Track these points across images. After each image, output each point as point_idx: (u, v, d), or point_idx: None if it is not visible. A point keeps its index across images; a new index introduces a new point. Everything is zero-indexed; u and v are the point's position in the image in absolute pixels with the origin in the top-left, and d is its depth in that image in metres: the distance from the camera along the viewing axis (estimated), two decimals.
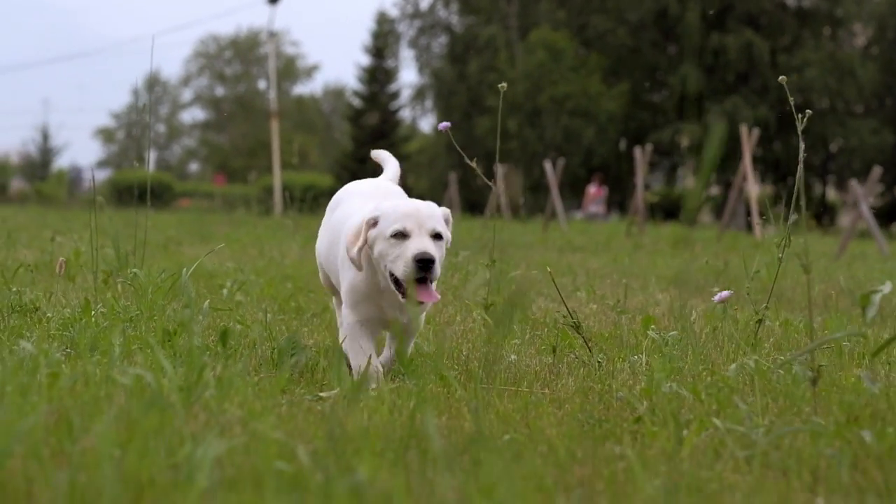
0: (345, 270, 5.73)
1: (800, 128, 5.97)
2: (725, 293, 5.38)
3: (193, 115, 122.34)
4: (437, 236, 5.44)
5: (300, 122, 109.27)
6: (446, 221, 5.61)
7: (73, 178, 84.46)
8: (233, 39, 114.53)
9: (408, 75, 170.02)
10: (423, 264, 5.27)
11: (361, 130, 77.46)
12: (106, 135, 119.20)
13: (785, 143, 67.37)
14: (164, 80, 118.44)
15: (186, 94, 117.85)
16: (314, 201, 54.65)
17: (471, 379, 5.21)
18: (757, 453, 3.73)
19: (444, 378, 4.90)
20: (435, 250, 5.34)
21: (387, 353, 6.05)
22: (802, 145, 6.20)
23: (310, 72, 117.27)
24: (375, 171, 6.80)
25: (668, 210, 62.59)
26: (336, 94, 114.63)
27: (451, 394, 4.77)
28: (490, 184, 7.78)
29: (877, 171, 21.70)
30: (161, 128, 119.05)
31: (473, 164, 7.37)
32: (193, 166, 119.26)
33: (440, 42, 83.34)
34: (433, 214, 5.51)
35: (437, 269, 5.33)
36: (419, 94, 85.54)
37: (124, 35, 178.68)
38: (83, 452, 2.91)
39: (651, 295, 10.02)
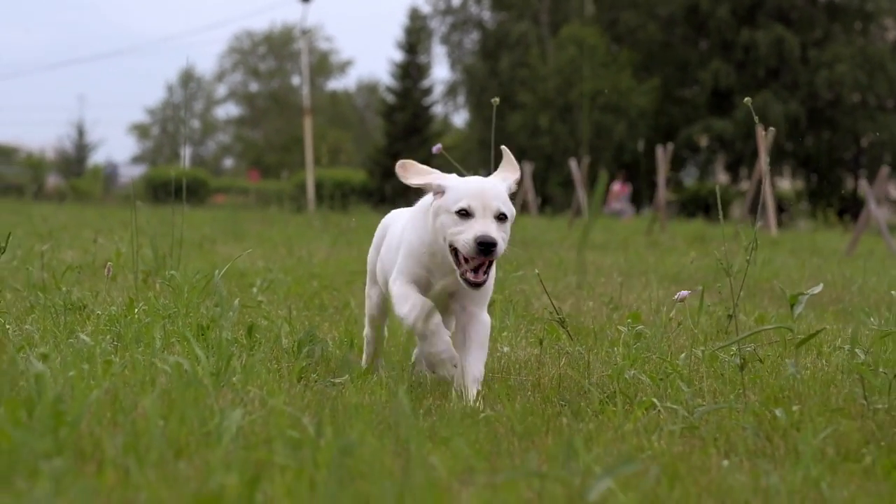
0: (401, 251, 5.81)
1: (762, 145, 6.61)
2: (685, 292, 6.08)
3: (228, 110, 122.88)
4: (501, 217, 5.46)
5: (334, 118, 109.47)
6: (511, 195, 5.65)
7: (108, 173, 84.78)
8: (267, 35, 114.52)
9: (440, 71, 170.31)
10: (485, 248, 5.31)
11: (394, 126, 77.57)
12: (141, 131, 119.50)
13: (816, 138, 67.47)
14: (198, 75, 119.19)
15: (221, 90, 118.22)
16: (344, 198, 55.05)
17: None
18: (687, 427, 4.52)
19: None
20: (498, 232, 5.38)
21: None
22: (766, 158, 6.89)
23: (343, 67, 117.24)
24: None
25: (702, 206, 62.69)
26: (370, 89, 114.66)
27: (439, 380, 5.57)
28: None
29: (884, 170, 22.26)
30: (196, 124, 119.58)
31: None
32: (228, 162, 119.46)
33: (472, 38, 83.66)
34: (499, 195, 5.51)
35: (499, 251, 5.37)
36: (451, 91, 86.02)
37: (159, 33, 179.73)
38: (134, 421, 3.72)
39: (653, 292, 10.71)
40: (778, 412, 4.51)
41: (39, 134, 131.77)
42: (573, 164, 37.72)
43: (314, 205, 48.84)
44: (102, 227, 19.98)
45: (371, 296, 6.49)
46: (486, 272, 5.43)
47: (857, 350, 5.59)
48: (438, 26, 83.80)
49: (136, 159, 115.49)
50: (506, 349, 6.76)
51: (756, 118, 5.49)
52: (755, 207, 30.39)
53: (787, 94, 65.79)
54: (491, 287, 5.82)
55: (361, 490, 2.89)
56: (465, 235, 5.37)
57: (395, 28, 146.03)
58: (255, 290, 9.55)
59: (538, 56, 72.69)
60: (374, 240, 6.46)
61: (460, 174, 5.99)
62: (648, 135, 68.76)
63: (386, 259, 6.07)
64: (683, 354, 5.74)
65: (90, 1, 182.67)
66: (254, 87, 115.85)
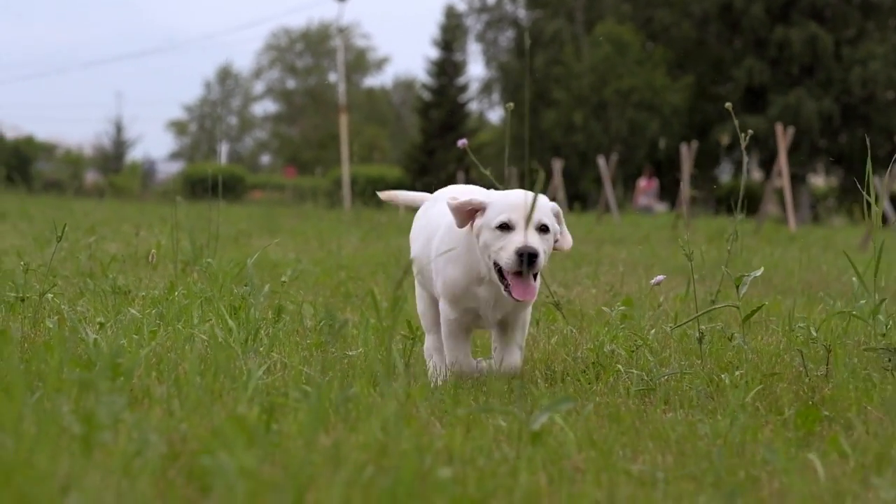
0: (442, 265, 5.73)
1: (743, 144, 7.33)
2: (660, 277, 6.82)
3: (265, 107, 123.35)
4: (543, 229, 5.42)
5: (371, 115, 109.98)
6: (556, 216, 5.58)
7: (146, 170, 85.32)
8: (304, 32, 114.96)
9: (475, 68, 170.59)
10: (527, 258, 5.27)
11: (430, 123, 78.12)
12: (178, 127, 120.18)
13: (850, 135, 67.69)
14: (235, 72, 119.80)
15: (258, 87, 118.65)
16: (370, 198, 55.47)
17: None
18: (646, 388, 5.32)
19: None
20: (539, 243, 5.34)
21: (483, 364, 5.87)
22: (746, 158, 7.62)
23: (380, 64, 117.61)
24: (444, 164, 7.52)
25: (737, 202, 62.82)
26: (406, 86, 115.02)
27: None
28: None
29: None
30: (233, 120, 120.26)
31: (487, 172, 7.35)
32: (265, 158, 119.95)
33: (507, 36, 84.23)
34: (540, 206, 5.43)
35: (541, 262, 5.34)
36: (486, 88, 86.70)
37: (198, 31, 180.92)
38: (176, 378, 4.53)
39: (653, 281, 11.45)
40: (724, 376, 5.30)
41: (78, 130, 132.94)
42: (601, 161, 38.36)
43: (350, 201, 49.47)
44: (142, 222, 20.83)
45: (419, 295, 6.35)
46: (532, 285, 5.38)
47: (810, 327, 6.38)
48: (474, 24, 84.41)
49: (174, 156, 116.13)
50: None
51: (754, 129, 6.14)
52: (766, 203, 30.93)
53: (820, 91, 66.00)
54: (528, 320, 5.92)
55: (357, 425, 3.67)
56: (507, 249, 5.32)
57: (431, 26, 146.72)
58: (284, 279, 10.35)
59: (573, 54, 73.15)
60: (412, 233, 6.38)
61: (490, 185, 6.31)
62: (682, 132, 69.07)
63: (426, 254, 5.97)
64: (654, 330, 6.54)
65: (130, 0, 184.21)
66: (291, 83, 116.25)
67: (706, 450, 4.03)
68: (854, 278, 6.58)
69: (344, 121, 53.68)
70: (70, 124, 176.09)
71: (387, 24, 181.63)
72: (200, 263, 9.25)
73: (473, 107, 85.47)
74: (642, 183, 45.20)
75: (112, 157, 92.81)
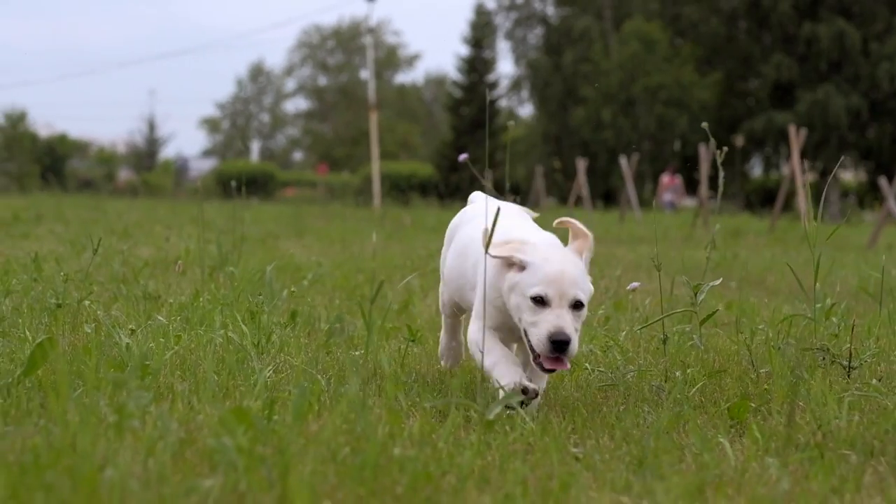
0: (479, 287, 5.55)
1: (719, 160, 8.00)
2: (635, 284, 7.50)
3: (297, 104, 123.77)
4: (577, 305, 5.23)
5: (402, 111, 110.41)
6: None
7: (179, 167, 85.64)
8: (335, 30, 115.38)
9: (505, 66, 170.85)
10: (558, 345, 5.09)
11: (460, 120, 78.52)
12: (211, 124, 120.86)
13: (879, 130, 67.91)
14: (267, 69, 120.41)
15: (290, 84, 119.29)
16: (404, 193, 55.94)
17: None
18: (609, 384, 6.05)
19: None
20: (572, 324, 5.16)
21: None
22: (722, 174, 8.29)
23: (411, 61, 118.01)
24: (474, 161, 7.82)
25: (769, 198, 63.13)
26: (437, 82, 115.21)
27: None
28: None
29: None
30: (265, 117, 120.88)
31: (481, 175, 8.15)
32: (297, 155, 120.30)
33: (536, 33, 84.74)
34: (576, 281, 5.22)
35: (574, 346, 5.14)
36: (515, 85, 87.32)
37: (230, 30, 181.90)
38: (196, 376, 5.31)
39: (652, 283, 12.11)
40: (678, 373, 6.04)
41: (110, 128, 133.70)
42: (623, 160, 38.95)
43: (379, 199, 50.08)
44: (174, 224, 21.66)
45: (442, 293, 6.38)
46: (564, 360, 5.16)
47: (768, 328, 7.13)
48: (503, 22, 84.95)
49: (207, 153, 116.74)
50: None
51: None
52: (781, 202, 31.46)
53: (848, 87, 66.22)
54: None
55: (345, 414, 4.42)
56: (539, 330, 5.13)
57: (462, 23, 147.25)
58: (305, 282, 11.07)
59: (601, 51, 73.63)
60: (446, 239, 6.33)
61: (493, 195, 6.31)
62: (711, 128, 69.23)
63: (459, 273, 5.95)
64: (624, 332, 7.28)
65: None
66: (322, 81, 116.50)
67: (641, 436, 4.77)
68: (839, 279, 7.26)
69: (374, 119, 54.29)
70: (103, 122, 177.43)
71: (418, 20, 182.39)
72: (225, 270, 10.04)
73: (504, 104, 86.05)
74: (665, 179, 45.56)
75: (145, 155, 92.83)
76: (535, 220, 6.04)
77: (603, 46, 74.62)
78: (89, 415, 3.86)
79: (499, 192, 7.16)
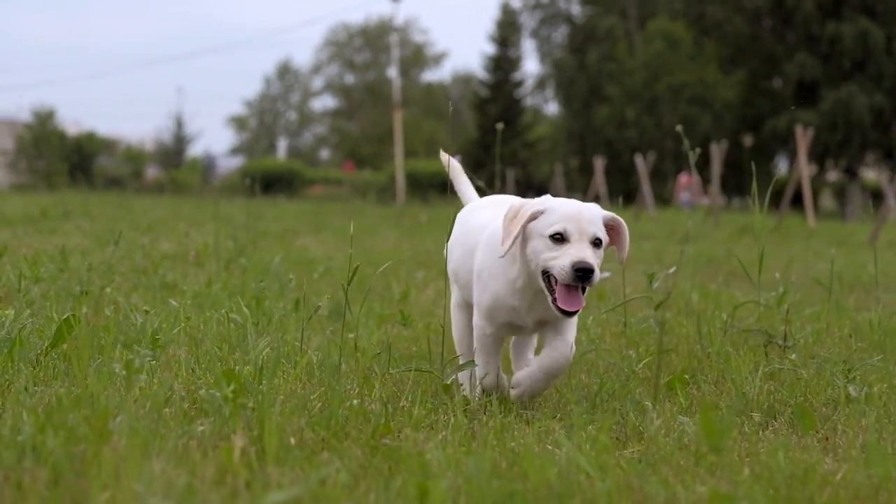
0: (483, 279, 5.62)
1: (692, 160, 8.71)
2: (606, 273, 8.22)
3: (324, 102, 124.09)
4: (596, 242, 5.31)
5: (429, 109, 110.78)
6: (617, 228, 5.53)
7: (206, 165, 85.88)
8: (362, 28, 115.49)
9: (531, 64, 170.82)
10: (583, 274, 5.17)
11: (486, 118, 79.06)
12: (238, 122, 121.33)
13: None
14: (294, 68, 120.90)
15: (317, 82, 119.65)
16: (422, 194, 56.41)
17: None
18: (588, 367, 6.81)
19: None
20: (594, 258, 5.23)
21: (523, 371, 5.66)
22: (696, 175, 9.02)
23: (438, 59, 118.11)
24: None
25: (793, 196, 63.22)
26: (465, 81, 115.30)
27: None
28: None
29: None
30: (292, 115, 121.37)
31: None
32: (324, 153, 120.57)
33: (561, 32, 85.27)
34: (595, 219, 5.34)
35: (596, 277, 5.23)
36: (540, 84, 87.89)
37: (257, 28, 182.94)
38: (205, 349, 6.10)
39: (637, 277, 12.79)
40: (631, 351, 6.80)
41: (138, 126, 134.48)
42: (638, 159, 39.52)
43: (403, 197, 50.67)
44: (196, 220, 22.40)
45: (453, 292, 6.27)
46: (579, 297, 5.29)
47: (724, 314, 7.88)
48: (528, 20, 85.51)
49: (234, 151, 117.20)
50: None
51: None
52: (787, 201, 31.98)
53: (871, 85, 66.52)
54: (576, 321, 5.75)
55: (320, 377, 5.19)
56: (562, 261, 5.20)
57: (488, 21, 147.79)
58: (315, 275, 11.80)
59: (626, 50, 74.11)
60: (450, 242, 6.21)
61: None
62: (734, 126, 69.72)
63: (464, 265, 5.92)
64: (592, 317, 8.03)
65: None
66: (349, 79, 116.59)
67: (588, 403, 5.52)
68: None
69: (398, 118, 54.86)
70: (131, 120, 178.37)
71: (445, 19, 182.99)
72: (238, 262, 10.84)
73: (528, 102, 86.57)
74: (683, 178, 45.96)
75: (173, 153, 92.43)
76: None
77: (627, 45, 75.20)
78: (104, 374, 4.65)
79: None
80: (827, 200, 75.29)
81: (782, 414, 5.28)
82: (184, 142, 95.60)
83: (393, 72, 65.26)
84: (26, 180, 68.68)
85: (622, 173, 67.10)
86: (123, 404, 4.24)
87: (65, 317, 5.73)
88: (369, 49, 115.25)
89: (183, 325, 6.61)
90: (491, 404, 5.09)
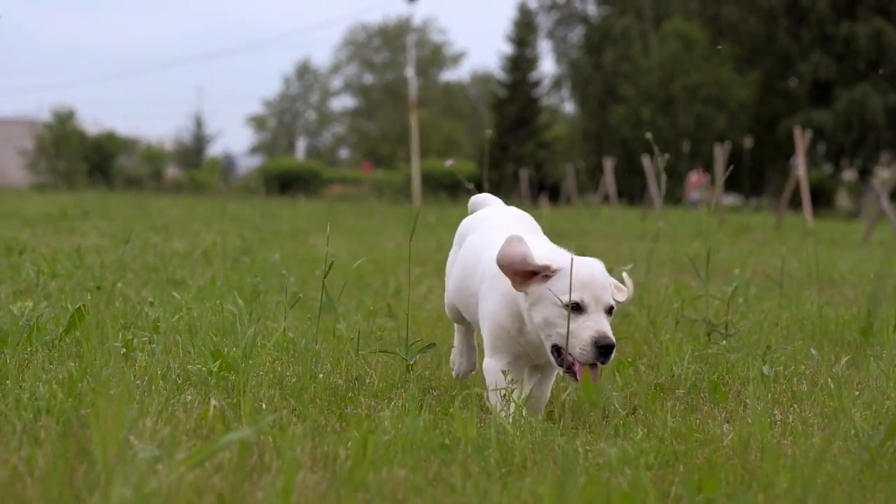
0: (487, 302, 5.29)
1: (661, 166, 9.41)
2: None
3: (343, 102, 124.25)
4: (609, 311, 5.00)
5: (448, 109, 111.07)
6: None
7: (225, 165, 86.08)
8: (381, 28, 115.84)
9: (547, 65, 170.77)
10: (604, 350, 4.86)
11: (504, 118, 79.34)
12: (258, 122, 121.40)
13: None
14: (314, 68, 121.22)
15: (336, 82, 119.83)
16: (438, 190, 56.70)
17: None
18: None
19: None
20: (610, 330, 4.93)
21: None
22: (664, 178, 9.71)
23: (456, 59, 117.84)
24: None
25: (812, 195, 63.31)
26: (483, 80, 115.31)
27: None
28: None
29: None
30: (311, 115, 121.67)
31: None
32: (343, 153, 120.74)
33: (577, 33, 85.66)
34: (607, 285, 5.01)
35: (613, 354, 4.94)
36: (557, 84, 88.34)
37: (276, 29, 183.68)
38: (201, 335, 6.86)
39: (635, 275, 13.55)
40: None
41: (158, 126, 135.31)
42: (646, 161, 39.99)
43: (420, 196, 51.14)
44: (211, 220, 23.10)
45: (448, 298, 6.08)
46: (599, 371, 4.99)
47: (683, 305, 8.63)
48: (545, 21, 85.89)
49: (254, 150, 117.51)
50: None
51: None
52: (786, 199, 32.42)
53: (886, 85, 66.92)
54: None
55: (302, 361, 5.94)
56: (582, 337, 4.87)
57: (505, 21, 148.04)
58: (318, 272, 12.48)
59: (641, 50, 74.51)
60: (455, 242, 6.10)
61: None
62: (749, 126, 70.04)
63: (464, 288, 5.66)
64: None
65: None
66: (368, 78, 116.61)
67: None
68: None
69: (414, 119, 55.34)
70: (151, 120, 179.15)
71: (463, 19, 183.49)
72: (241, 260, 11.62)
73: (545, 102, 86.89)
74: (693, 178, 46.33)
75: (192, 152, 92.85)
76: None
77: (643, 46, 75.58)
78: (105, 350, 5.43)
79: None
80: (843, 199, 75.69)
81: (703, 391, 6.00)
82: (203, 141, 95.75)
83: (410, 72, 65.48)
84: (46, 180, 69.35)
85: (639, 173, 67.53)
86: (123, 377, 4.99)
87: (77, 307, 6.48)
88: (388, 49, 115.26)
89: (184, 314, 7.35)
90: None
